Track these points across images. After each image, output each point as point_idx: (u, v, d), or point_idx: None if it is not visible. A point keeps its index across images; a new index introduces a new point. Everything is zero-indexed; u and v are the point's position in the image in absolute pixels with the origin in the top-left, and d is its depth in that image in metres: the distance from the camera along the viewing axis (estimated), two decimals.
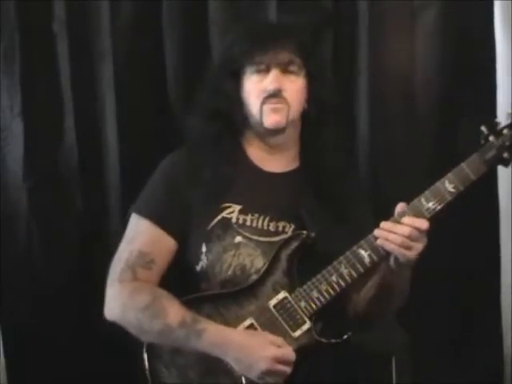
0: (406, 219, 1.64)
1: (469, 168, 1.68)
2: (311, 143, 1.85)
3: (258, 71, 1.77)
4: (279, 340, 1.65)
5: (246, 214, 1.76)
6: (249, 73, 1.79)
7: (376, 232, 1.66)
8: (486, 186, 2.32)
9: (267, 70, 1.77)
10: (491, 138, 1.69)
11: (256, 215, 1.76)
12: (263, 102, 1.75)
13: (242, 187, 1.78)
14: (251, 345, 1.62)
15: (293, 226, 1.77)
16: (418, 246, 1.64)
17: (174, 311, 1.64)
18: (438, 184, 1.67)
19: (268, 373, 1.61)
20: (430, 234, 2.29)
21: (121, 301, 1.69)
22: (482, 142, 1.69)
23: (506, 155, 1.69)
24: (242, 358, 1.62)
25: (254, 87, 1.78)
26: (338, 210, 1.81)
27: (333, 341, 1.71)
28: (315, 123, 1.84)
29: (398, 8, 2.35)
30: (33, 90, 2.31)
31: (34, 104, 2.31)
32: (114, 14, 2.29)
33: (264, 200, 1.78)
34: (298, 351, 1.66)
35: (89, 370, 2.25)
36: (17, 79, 2.29)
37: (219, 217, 1.74)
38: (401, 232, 1.62)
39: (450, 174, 1.68)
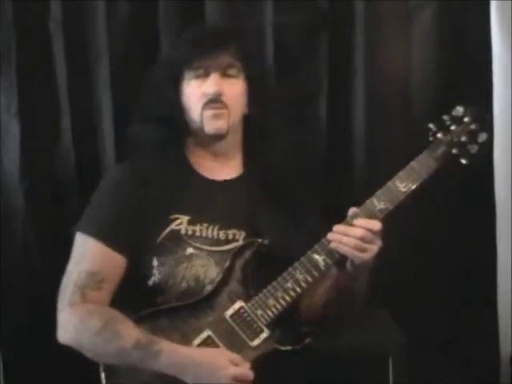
0: (359, 221, 1.63)
1: (419, 166, 1.67)
2: (255, 148, 1.83)
3: (197, 76, 1.75)
4: (237, 358, 1.61)
5: (195, 225, 1.72)
6: (188, 78, 1.76)
7: (329, 235, 1.64)
8: (483, 184, 2.34)
9: (206, 75, 1.74)
10: (439, 135, 1.69)
11: (205, 225, 1.73)
12: (203, 108, 1.73)
13: (189, 197, 1.74)
14: (209, 364, 1.59)
15: (243, 234, 1.74)
16: (373, 248, 1.62)
17: (128, 333, 1.60)
18: (389, 184, 1.66)
19: None
20: (427, 233, 2.32)
21: (72, 325, 1.65)
22: (431, 139, 1.69)
23: (455, 151, 1.69)
24: (200, 377, 1.58)
25: (194, 92, 1.75)
26: (291, 213, 1.79)
27: (290, 348, 1.68)
28: (258, 127, 1.81)
29: (394, 8, 2.36)
30: (29, 91, 2.30)
31: (30, 104, 2.31)
32: (111, 13, 2.29)
33: (212, 209, 1.75)
34: (257, 360, 1.64)
35: (85, 368, 2.25)
36: (13, 79, 2.29)
37: (168, 229, 1.71)
38: (354, 234, 1.61)
39: (400, 173, 1.67)
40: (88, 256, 1.69)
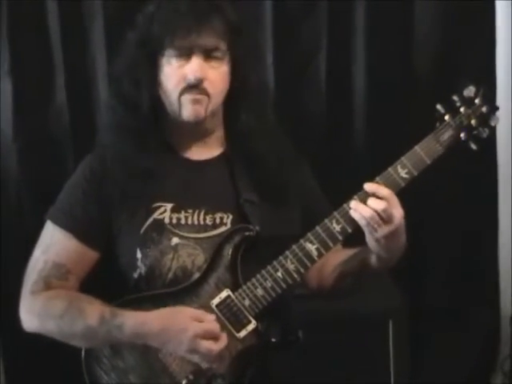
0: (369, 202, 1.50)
1: (423, 151, 1.54)
2: (237, 123, 1.68)
3: (179, 56, 1.58)
4: (199, 313, 1.53)
5: (179, 212, 1.62)
6: (168, 55, 1.58)
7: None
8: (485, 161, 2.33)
9: (189, 56, 1.58)
10: (447, 118, 1.56)
11: (190, 211, 1.62)
12: (182, 92, 1.58)
13: (170, 182, 1.62)
14: (170, 328, 1.51)
15: (231, 217, 1.63)
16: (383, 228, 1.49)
17: (92, 310, 1.54)
18: (390, 169, 1.54)
19: (193, 352, 1.50)
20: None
21: (36, 313, 1.59)
22: (438, 122, 1.56)
23: (463, 136, 1.57)
24: (163, 344, 1.52)
25: (174, 73, 1.58)
26: (278, 191, 1.67)
27: (278, 341, 1.58)
28: (240, 106, 1.67)
29: None
30: (22, 48, 2.24)
31: (23, 63, 2.25)
32: None
33: (195, 192, 1.63)
34: (243, 352, 1.56)
35: None
36: (5, 37, 2.23)
37: (151, 219, 1.60)
38: (372, 206, 1.49)
39: (402, 158, 1.54)
40: (56, 246, 1.61)
